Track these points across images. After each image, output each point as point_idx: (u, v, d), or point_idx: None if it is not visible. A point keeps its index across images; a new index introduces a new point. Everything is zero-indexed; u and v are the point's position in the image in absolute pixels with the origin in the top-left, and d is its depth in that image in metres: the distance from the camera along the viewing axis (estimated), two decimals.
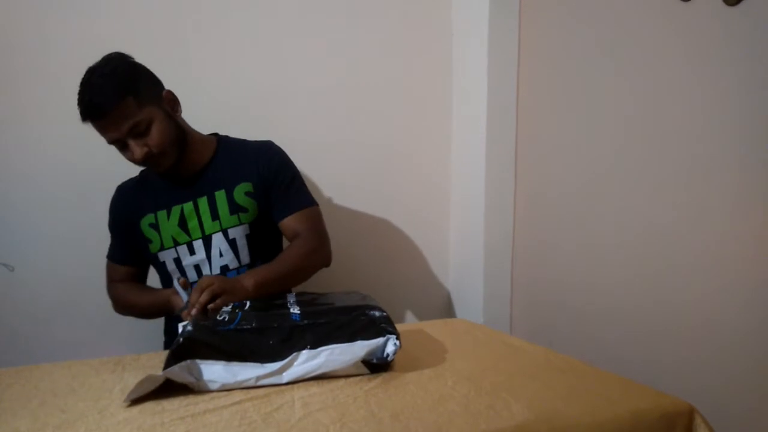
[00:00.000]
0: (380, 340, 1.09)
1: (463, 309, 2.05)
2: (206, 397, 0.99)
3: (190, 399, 0.98)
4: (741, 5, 1.21)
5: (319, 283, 1.68)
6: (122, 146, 1.36)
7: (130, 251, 1.55)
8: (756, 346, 1.22)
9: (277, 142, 1.56)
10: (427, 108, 2.04)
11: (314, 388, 1.02)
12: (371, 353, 1.07)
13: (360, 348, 1.07)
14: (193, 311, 1.23)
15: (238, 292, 1.28)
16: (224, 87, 1.80)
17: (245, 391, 1.01)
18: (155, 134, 1.34)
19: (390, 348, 1.08)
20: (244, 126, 1.62)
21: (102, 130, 1.33)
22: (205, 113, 1.73)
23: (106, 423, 0.90)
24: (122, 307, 1.55)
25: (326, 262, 1.52)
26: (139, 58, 1.48)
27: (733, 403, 1.25)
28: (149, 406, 0.96)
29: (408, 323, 1.93)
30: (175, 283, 1.37)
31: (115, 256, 1.57)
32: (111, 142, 1.35)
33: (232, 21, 1.80)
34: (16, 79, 1.63)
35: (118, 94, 1.29)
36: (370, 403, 0.95)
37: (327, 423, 0.88)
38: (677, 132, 1.38)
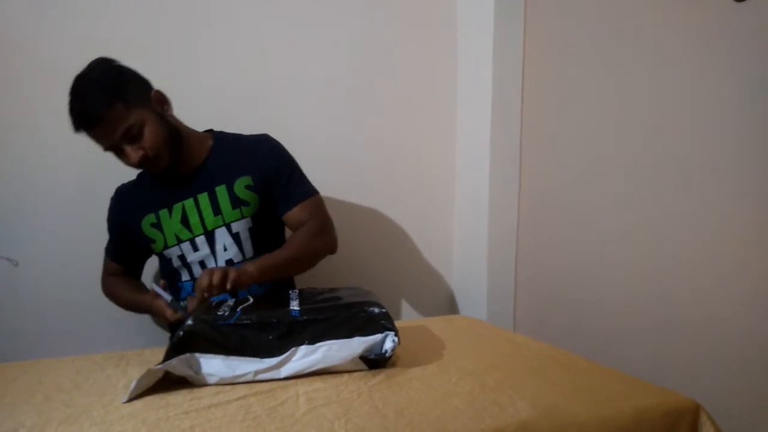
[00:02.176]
0: (378, 336, 1.09)
1: (466, 306, 2.05)
2: (211, 391, 0.99)
3: (195, 393, 0.98)
4: (749, 2, 1.20)
5: (323, 279, 1.68)
6: (118, 152, 1.36)
7: (126, 252, 1.58)
8: (759, 343, 1.22)
9: (283, 140, 1.56)
10: (431, 105, 2.04)
11: (318, 383, 1.02)
12: (369, 349, 1.07)
13: (358, 344, 1.07)
14: (204, 295, 1.24)
15: (242, 275, 1.28)
16: (228, 85, 1.80)
17: (250, 385, 1.01)
18: (149, 136, 1.34)
19: (388, 344, 1.08)
20: (247, 123, 1.61)
21: (96, 138, 1.34)
22: (208, 111, 1.74)
23: (111, 418, 0.90)
24: (113, 299, 1.58)
25: (331, 248, 1.52)
26: (139, 54, 1.48)
27: (738, 400, 1.25)
28: (153, 400, 0.96)
29: (411, 320, 1.93)
30: (155, 286, 1.38)
31: (110, 253, 1.60)
32: (106, 149, 1.36)
33: (236, 17, 1.80)
34: (19, 77, 1.63)
35: (107, 101, 1.29)
36: (374, 399, 0.95)
37: (331, 418, 0.88)
38: (682, 130, 1.37)
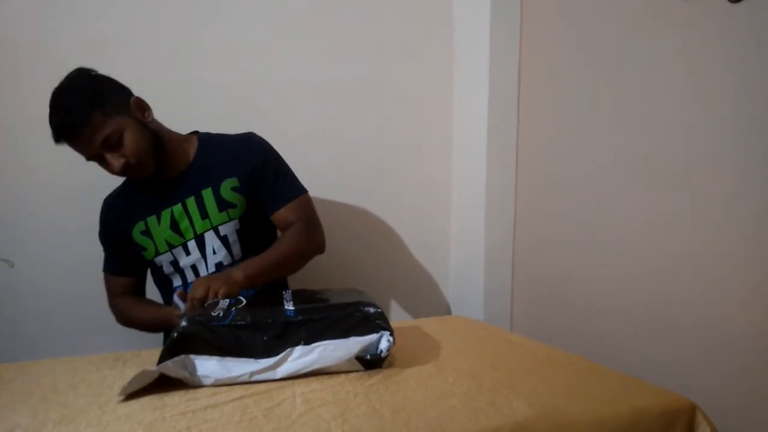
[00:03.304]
0: (374, 336, 1.08)
1: (463, 306, 2.05)
2: (207, 392, 0.99)
3: (191, 394, 0.98)
4: (744, 2, 1.20)
5: (319, 280, 1.68)
6: (100, 161, 1.36)
7: (126, 262, 1.54)
8: (757, 344, 1.22)
9: (279, 139, 1.55)
10: (428, 105, 2.04)
11: (315, 384, 1.02)
12: (365, 349, 1.07)
13: (354, 344, 1.06)
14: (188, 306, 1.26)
15: (230, 286, 1.29)
16: (225, 84, 1.80)
17: (246, 386, 1.01)
18: (129, 144, 1.33)
19: (384, 344, 1.08)
20: (243, 123, 1.61)
21: (77, 148, 1.33)
22: (206, 111, 1.74)
23: (107, 418, 0.90)
24: (127, 321, 1.54)
25: (319, 248, 1.52)
26: (139, 54, 1.48)
27: (734, 400, 1.25)
28: (150, 401, 0.96)
29: (408, 320, 1.93)
30: (175, 297, 1.37)
31: (111, 268, 1.56)
32: (88, 158, 1.35)
33: (234, 17, 1.80)
34: (17, 75, 1.63)
35: (85, 110, 1.28)
36: (371, 399, 0.95)
37: (328, 419, 0.88)
38: (678, 129, 1.37)
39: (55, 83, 1.32)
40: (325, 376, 1.05)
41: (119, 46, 1.67)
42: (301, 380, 1.03)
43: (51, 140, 1.63)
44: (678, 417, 0.93)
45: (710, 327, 1.31)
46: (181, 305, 1.35)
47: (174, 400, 0.96)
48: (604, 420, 0.90)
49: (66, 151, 1.64)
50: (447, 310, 2.12)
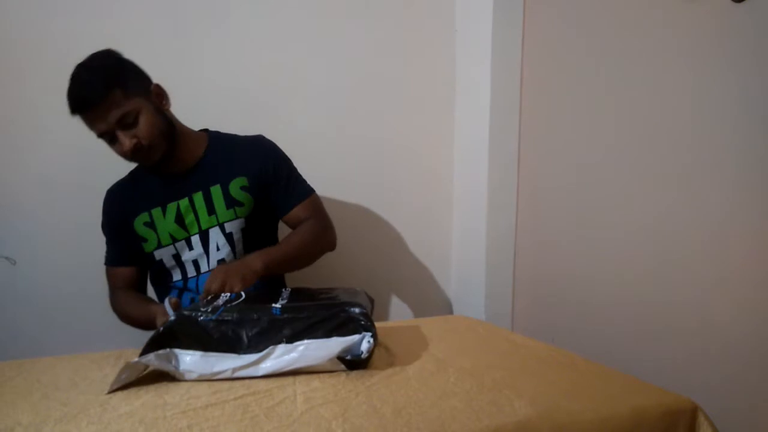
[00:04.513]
0: (356, 337, 1.08)
1: (465, 305, 2.05)
2: (208, 390, 0.99)
3: (192, 393, 0.98)
4: (748, 2, 1.20)
5: (321, 278, 1.68)
6: (111, 139, 1.35)
7: (129, 252, 1.52)
8: (758, 344, 1.22)
9: (282, 139, 1.56)
10: (430, 105, 2.04)
11: (316, 382, 1.02)
12: (346, 350, 1.07)
13: (335, 344, 1.06)
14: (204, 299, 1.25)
15: (246, 282, 1.29)
16: (229, 84, 1.80)
17: (247, 385, 1.01)
18: (144, 125, 1.34)
19: (364, 345, 1.08)
20: (247, 123, 1.61)
21: (90, 122, 1.33)
22: (210, 110, 1.74)
23: (108, 416, 0.90)
24: (123, 317, 1.51)
25: (331, 246, 1.54)
26: (140, 53, 1.46)
27: (736, 401, 1.25)
28: (151, 399, 0.96)
29: (410, 319, 1.93)
30: (166, 303, 1.34)
31: (113, 259, 1.54)
32: (100, 134, 1.34)
33: (237, 17, 1.80)
34: (17, 75, 1.63)
35: (105, 86, 1.29)
36: (372, 398, 0.95)
37: (329, 417, 0.87)
38: (680, 129, 1.37)
39: (56, 83, 1.32)
40: (326, 375, 1.05)
41: (120, 45, 1.66)
42: (302, 379, 1.03)
43: (52, 139, 1.64)
44: (680, 418, 0.93)
45: (711, 327, 1.31)
46: (171, 312, 1.32)
47: (175, 398, 0.96)
48: (605, 420, 0.90)
49: (67, 149, 1.65)
50: (449, 310, 2.12)
